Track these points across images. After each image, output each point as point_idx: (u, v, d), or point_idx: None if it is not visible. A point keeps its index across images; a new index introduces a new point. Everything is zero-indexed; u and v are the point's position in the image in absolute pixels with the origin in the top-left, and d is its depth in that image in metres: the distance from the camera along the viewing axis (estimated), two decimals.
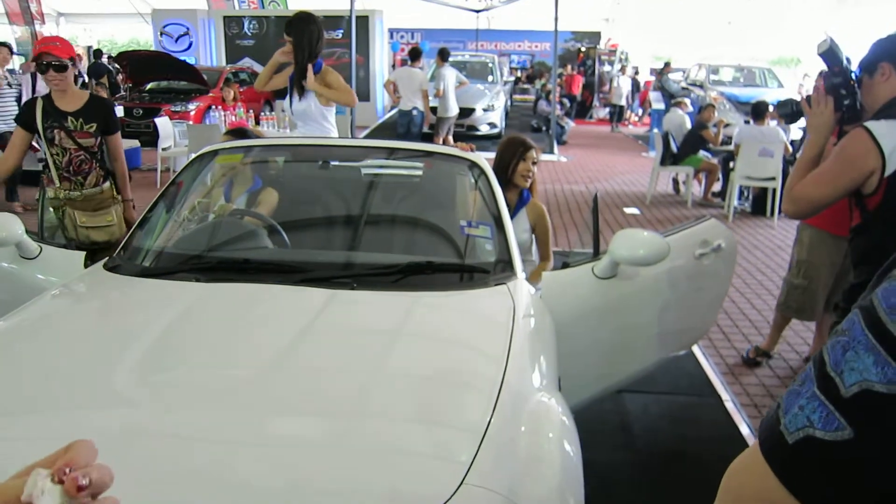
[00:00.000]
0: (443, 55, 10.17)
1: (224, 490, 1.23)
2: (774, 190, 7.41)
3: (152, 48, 15.54)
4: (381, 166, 2.94)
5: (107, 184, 3.49)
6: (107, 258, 2.37)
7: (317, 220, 2.74)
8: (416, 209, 2.74)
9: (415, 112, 9.49)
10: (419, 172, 2.95)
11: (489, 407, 1.48)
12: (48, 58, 3.26)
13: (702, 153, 8.57)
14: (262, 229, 2.52)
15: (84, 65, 15.28)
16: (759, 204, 7.90)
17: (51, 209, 3.49)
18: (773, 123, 7.69)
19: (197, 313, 1.91)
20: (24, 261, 2.57)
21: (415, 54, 9.81)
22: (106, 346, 1.75)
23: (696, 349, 3.95)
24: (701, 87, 14.03)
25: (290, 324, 1.83)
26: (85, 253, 2.67)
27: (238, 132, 3.49)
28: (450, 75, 10.12)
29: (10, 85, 7.02)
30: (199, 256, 2.32)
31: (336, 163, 2.96)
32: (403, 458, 1.35)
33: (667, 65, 16.40)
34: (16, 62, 13.00)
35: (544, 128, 14.28)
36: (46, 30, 16.41)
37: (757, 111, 7.72)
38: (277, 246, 2.47)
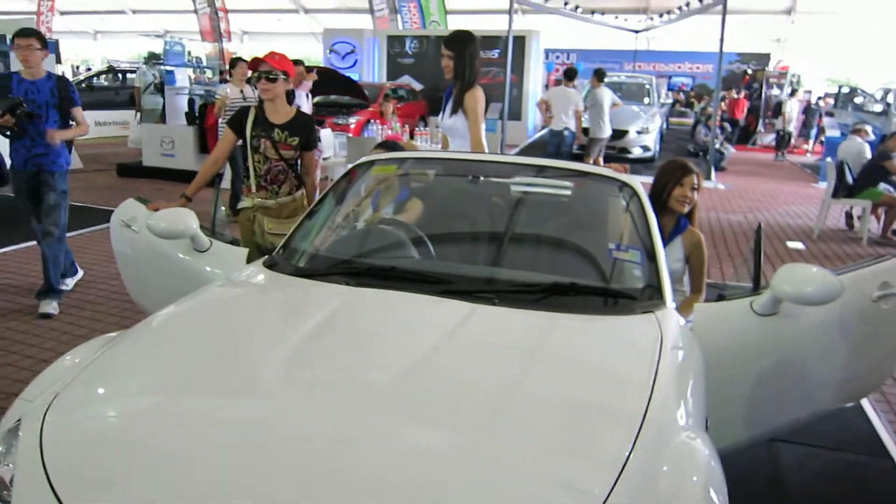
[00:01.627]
0: (598, 75, 10.02)
1: (342, 491, 1.25)
2: None
3: (321, 65, 16.60)
4: (531, 184, 2.91)
5: (299, 193, 3.65)
6: (267, 256, 2.53)
7: (462, 234, 2.76)
8: (564, 229, 2.69)
9: (566, 132, 9.40)
10: (569, 192, 2.89)
11: (629, 440, 1.41)
12: (263, 66, 3.48)
13: (882, 186, 7.77)
14: (409, 239, 2.57)
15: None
16: None
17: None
18: None
19: (343, 315, 1.97)
20: (196, 253, 2.83)
21: (570, 74, 9.73)
22: (255, 338, 1.86)
23: (865, 403, 3.56)
24: (884, 113, 12.78)
25: (430, 334, 1.84)
26: (248, 250, 2.88)
27: (389, 145, 3.61)
28: (605, 96, 9.94)
29: (244, 99, 7.21)
30: (349, 261, 2.41)
31: (485, 178, 2.98)
32: (534, 484, 1.30)
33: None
34: (206, 75, 14.45)
35: (702, 153, 13.63)
36: (232, 47, 18.02)
37: None
38: (423, 256, 2.51)
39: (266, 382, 1.63)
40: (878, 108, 13.25)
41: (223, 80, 11.46)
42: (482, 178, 2.96)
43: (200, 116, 10.07)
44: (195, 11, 18.52)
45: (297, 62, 7.34)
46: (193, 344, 1.85)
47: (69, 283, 4.92)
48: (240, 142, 3.62)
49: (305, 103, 6.95)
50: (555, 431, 1.47)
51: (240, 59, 7.64)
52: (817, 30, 20.27)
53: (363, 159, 3.03)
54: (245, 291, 2.35)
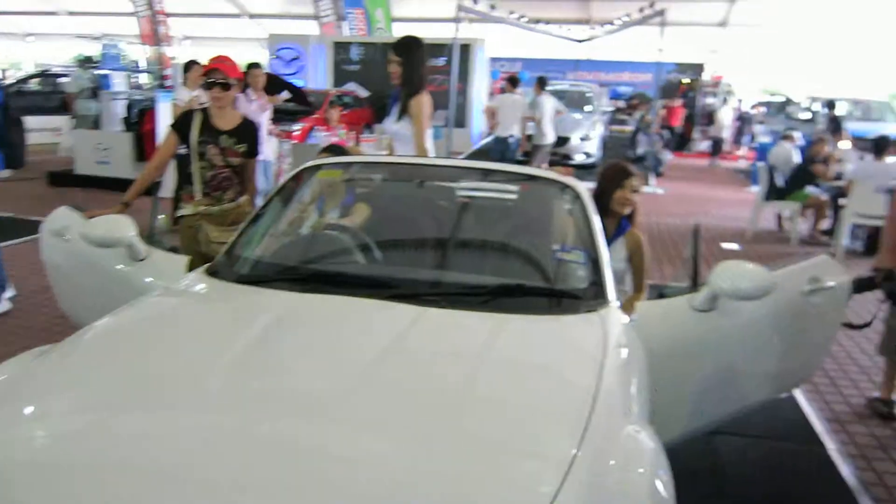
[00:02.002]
0: (541, 83, 10.18)
1: (288, 502, 1.24)
2: None
3: (266, 71, 16.37)
4: (476, 187, 2.95)
5: (242, 199, 3.59)
6: (209, 264, 2.48)
7: (409, 238, 2.77)
8: (510, 231, 2.72)
9: (511, 139, 9.51)
10: (514, 195, 2.94)
11: (576, 437, 1.43)
12: (217, 75, 3.41)
13: (809, 189, 8.13)
14: (355, 244, 2.56)
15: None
16: (873, 244, 7.39)
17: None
18: (893, 160, 7.22)
19: (288, 322, 1.95)
20: (132, 262, 2.73)
21: (513, 81, 9.87)
22: (195, 349, 1.80)
23: (798, 394, 3.71)
24: (812, 121, 13.38)
25: (378, 338, 1.84)
26: (189, 258, 2.80)
27: (334, 150, 3.59)
28: (548, 103, 10.11)
29: (201, 104, 7.09)
30: (294, 267, 2.39)
31: (431, 182, 3.00)
32: (483, 486, 1.31)
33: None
34: (144, 79, 14.10)
35: (641, 159, 13.99)
36: (173, 51, 17.61)
37: (878, 146, 7.27)
38: (369, 261, 2.50)
39: (207, 394, 1.58)
40: (806, 115, 13.87)
41: (162, 86, 11.19)
42: (428, 183, 2.97)
43: (138, 122, 9.79)
44: (135, 14, 18.04)
45: (254, 65, 7.24)
46: (129, 356, 1.78)
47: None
48: (182, 148, 3.54)
49: (260, 112, 6.76)
50: (502, 432, 1.48)
51: (194, 62, 7.40)
52: (749, 42, 21.07)
53: (308, 163, 3.01)
54: (185, 300, 2.29)
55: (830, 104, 13.31)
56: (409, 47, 3.82)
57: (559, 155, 12.29)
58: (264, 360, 1.73)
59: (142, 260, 2.74)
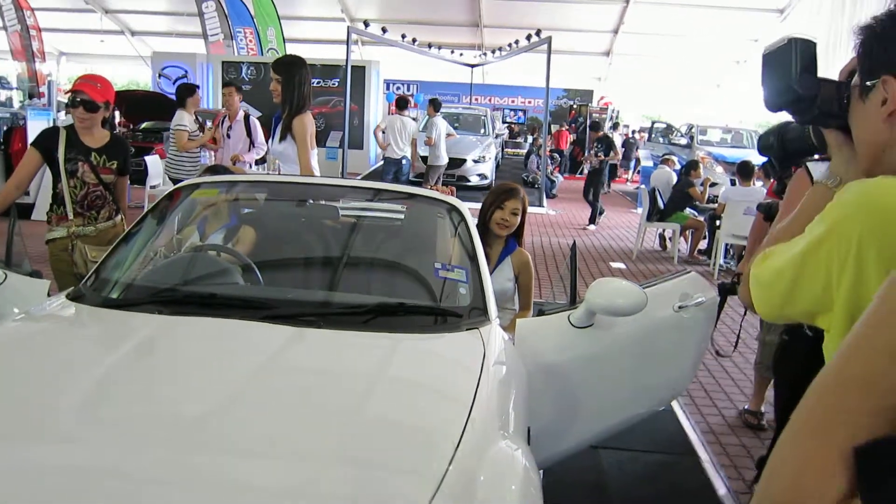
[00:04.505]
0: (434, 105, 10.31)
1: None
2: None
3: (150, 89, 15.71)
4: (359, 207, 2.91)
5: (119, 217, 3.49)
6: (71, 288, 2.31)
7: (290, 258, 2.69)
8: (392, 250, 2.70)
9: (404, 161, 9.55)
10: (397, 214, 2.92)
11: (447, 455, 1.41)
12: (81, 96, 3.28)
13: (688, 210, 8.63)
14: (234, 266, 2.47)
15: None
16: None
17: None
18: (758, 184, 7.77)
19: (153, 346, 1.84)
20: None
21: (401, 103, 9.93)
22: (51, 376, 1.67)
23: (676, 406, 3.87)
24: (689, 146, 14.26)
25: (248, 360, 1.76)
26: (49, 282, 2.61)
27: (217, 170, 3.49)
28: (441, 125, 10.24)
29: (200, 128, 6.78)
30: (164, 289, 2.26)
31: (313, 201, 2.93)
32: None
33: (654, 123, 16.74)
34: (15, 97, 13.16)
35: (534, 181, 14.43)
36: (46, 68, 16.58)
37: (742, 171, 7.81)
38: (249, 283, 2.41)
39: (61, 423, 1.46)
40: (684, 141, 14.78)
41: (30, 105, 10.54)
42: (310, 201, 2.91)
43: (6, 141, 9.13)
44: (3, 28, 16.94)
45: (230, 83, 6.95)
46: None
47: None
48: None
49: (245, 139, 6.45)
50: (376, 450, 1.45)
51: (194, 86, 7.01)
52: (632, 70, 22.27)
53: (184, 182, 2.87)
54: (43, 326, 2.11)
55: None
56: (289, 66, 3.75)
57: (455, 176, 12.47)
58: (123, 386, 1.63)
59: None
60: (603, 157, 11.21)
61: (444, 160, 10.34)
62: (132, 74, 23.37)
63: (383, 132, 9.73)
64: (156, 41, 21.92)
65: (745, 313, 2.50)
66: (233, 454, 1.39)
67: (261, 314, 2.01)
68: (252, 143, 6.48)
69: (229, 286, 2.35)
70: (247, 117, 6.53)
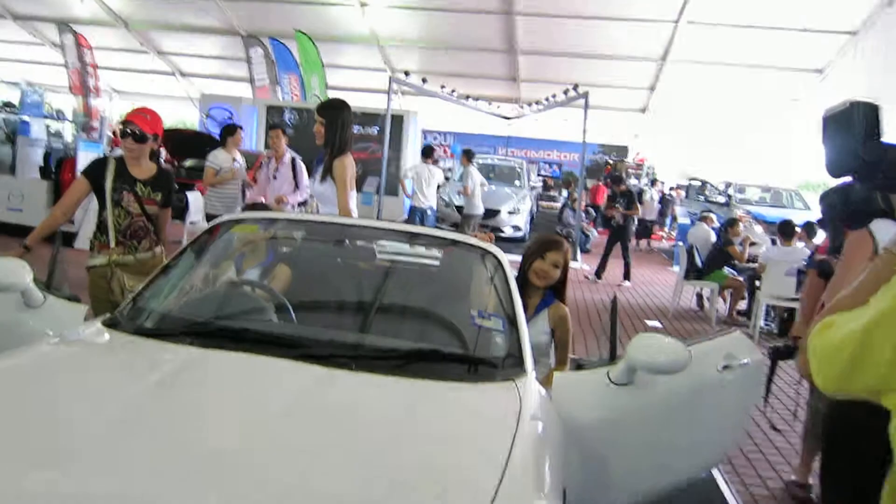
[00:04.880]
0: (468, 155, 10.35)
1: None
2: None
3: (196, 129, 16.17)
4: (397, 250, 2.89)
5: (158, 249, 3.56)
6: (106, 315, 2.31)
7: (325, 298, 2.67)
8: (428, 295, 2.66)
9: (430, 211, 9.55)
10: (435, 259, 2.89)
11: None
12: (131, 126, 3.40)
13: (727, 270, 8.45)
14: (269, 302, 2.46)
15: None
16: (785, 325, 7.68)
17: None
18: (800, 244, 7.60)
19: (182, 378, 1.82)
20: (27, 309, 2.51)
21: (427, 152, 9.91)
22: (78, 402, 1.66)
23: (716, 474, 3.70)
24: (727, 204, 14.11)
25: (276, 399, 1.73)
26: (86, 307, 2.62)
27: (257, 207, 3.52)
28: (476, 175, 10.27)
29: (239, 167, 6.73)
30: (198, 322, 2.25)
31: (350, 242, 2.92)
32: None
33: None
34: (67, 128, 13.65)
35: (568, 235, 14.35)
36: (100, 104, 17.23)
37: (784, 231, 7.65)
38: (282, 320, 2.39)
39: (83, 451, 1.44)
40: (721, 199, 14.63)
41: (81, 137, 10.88)
42: (347, 242, 2.90)
43: (57, 170, 9.45)
44: (64, 65, 17.78)
45: (276, 126, 7.03)
46: (7, 408, 1.61)
47: None
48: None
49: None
50: (406, 502, 1.38)
51: (237, 126, 7.13)
52: (668, 126, 22.27)
53: (224, 218, 2.89)
54: (75, 350, 2.12)
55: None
56: (333, 109, 3.85)
57: (489, 227, 12.47)
58: (146, 416, 1.61)
59: (38, 307, 2.53)
60: (623, 210, 10.91)
61: (481, 209, 10.35)
62: (180, 114, 24.11)
63: (412, 179, 9.72)
64: (204, 83, 22.67)
65: (799, 381, 2.39)
66: (248, 494, 1.34)
67: (293, 352, 1.98)
68: (297, 185, 6.54)
69: (262, 322, 2.33)
70: (293, 160, 6.62)
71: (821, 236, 7.55)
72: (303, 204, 7.11)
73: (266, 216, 3.13)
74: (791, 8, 13.55)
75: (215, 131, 15.50)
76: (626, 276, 10.55)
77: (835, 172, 1.28)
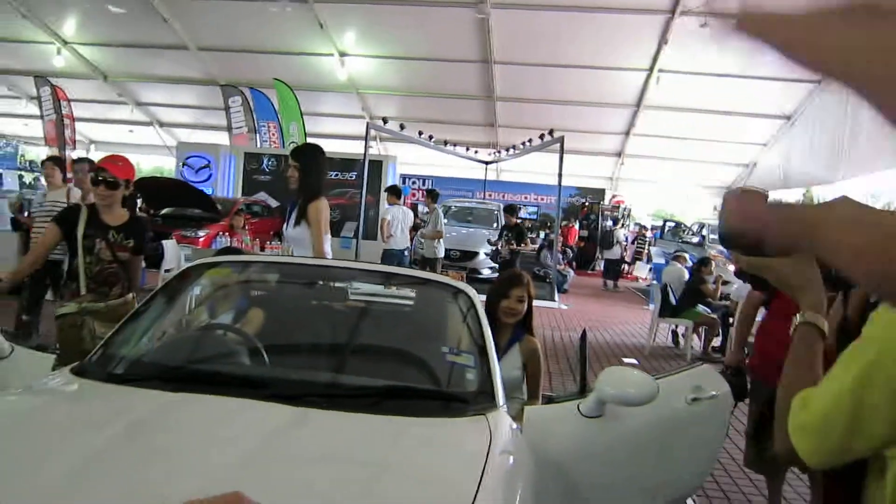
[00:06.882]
0: (432, 196, 10.37)
1: None
2: None
3: (174, 177, 16.18)
4: (369, 291, 2.92)
5: (130, 295, 3.54)
6: (77, 363, 2.31)
7: (298, 339, 2.68)
8: (400, 333, 2.69)
9: (406, 253, 9.61)
10: (407, 298, 2.92)
11: None
12: (104, 174, 3.43)
13: (700, 308, 8.56)
14: (241, 345, 2.46)
15: None
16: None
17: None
18: None
19: (151, 423, 1.81)
20: None
21: (395, 192, 9.81)
22: (43, 449, 1.64)
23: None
24: (700, 244, 14.34)
25: (247, 441, 1.72)
26: (55, 356, 2.61)
27: (231, 251, 3.55)
28: (439, 216, 10.31)
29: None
30: (168, 366, 2.25)
31: (323, 283, 2.95)
32: None
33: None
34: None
35: (546, 276, 14.46)
36: (75, 154, 17.22)
37: None
38: (255, 363, 2.39)
39: (52, 499, 1.43)
40: (695, 239, 14.88)
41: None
42: (320, 283, 2.93)
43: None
44: (40, 117, 17.80)
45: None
46: None
47: None
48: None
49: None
50: None
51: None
52: (643, 169, 22.68)
53: (196, 262, 2.91)
54: (42, 399, 2.10)
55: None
56: (307, 153, 3.91)
57: (467, 269, 12.54)
58: (114, 463, 1.59)
59: (4, 358, 2.52)
60: (514, 245, 10.83)
61: (442, 252, 10.32)
62: (158, 163, 24.15)
63: (388, 222, 9.76)
64: (182, 132, 22.75)
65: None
66: None
67: (264, 393, 1.98)
68: None
69: (234, 365, 2.34)
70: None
71: None
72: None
73: (237, 259, 3.15)
74: (757, 61, 13.96)
75: (192, 179, 15.55)
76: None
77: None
